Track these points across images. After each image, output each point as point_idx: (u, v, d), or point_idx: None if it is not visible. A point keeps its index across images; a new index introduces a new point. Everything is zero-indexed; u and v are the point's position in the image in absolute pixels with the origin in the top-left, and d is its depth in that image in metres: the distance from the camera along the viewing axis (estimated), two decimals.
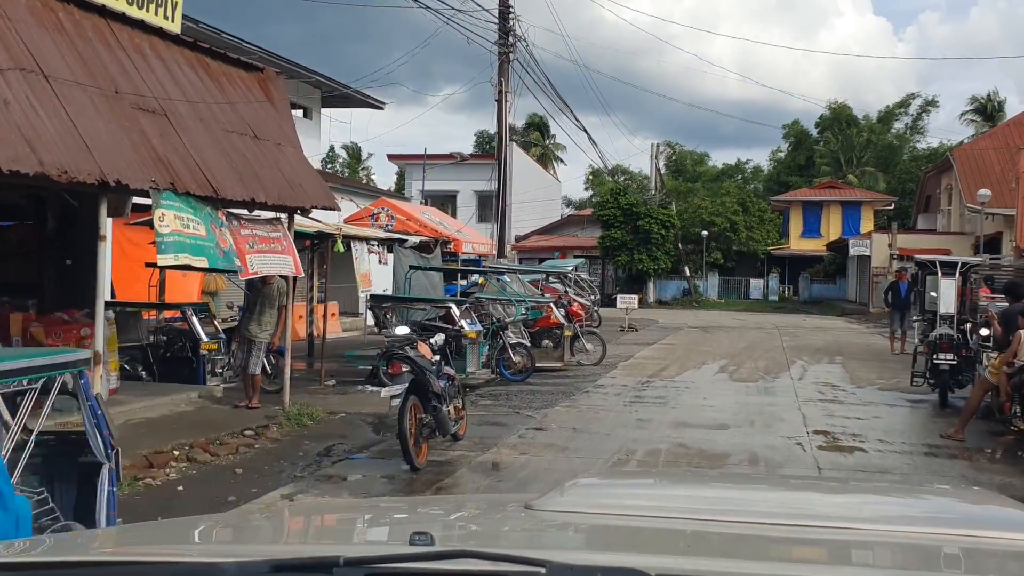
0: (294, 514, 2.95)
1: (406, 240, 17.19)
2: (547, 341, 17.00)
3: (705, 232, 48.27)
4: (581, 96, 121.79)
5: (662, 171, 48.01)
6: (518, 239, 53.64)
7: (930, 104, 67.06)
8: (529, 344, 16.02)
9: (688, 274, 48.12)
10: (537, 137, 75.12)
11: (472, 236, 21.00)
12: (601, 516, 2.00)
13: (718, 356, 19.96)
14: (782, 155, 73.01)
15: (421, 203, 57.38)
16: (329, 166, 72.73)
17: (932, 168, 44.80)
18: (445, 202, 58.23)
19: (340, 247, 14.61)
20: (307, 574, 1.46)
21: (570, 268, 19.63)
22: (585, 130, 39.27)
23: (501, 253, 19.64)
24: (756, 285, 50.19)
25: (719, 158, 71.94)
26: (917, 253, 38.32)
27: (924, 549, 1.84)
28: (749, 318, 36.69)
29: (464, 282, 19.50)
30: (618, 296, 29.36)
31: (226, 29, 27.51)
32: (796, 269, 52.18)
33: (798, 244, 53.20)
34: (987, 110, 64.65)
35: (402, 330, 10.27)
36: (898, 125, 66.57)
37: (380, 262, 16.61)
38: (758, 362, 18.67)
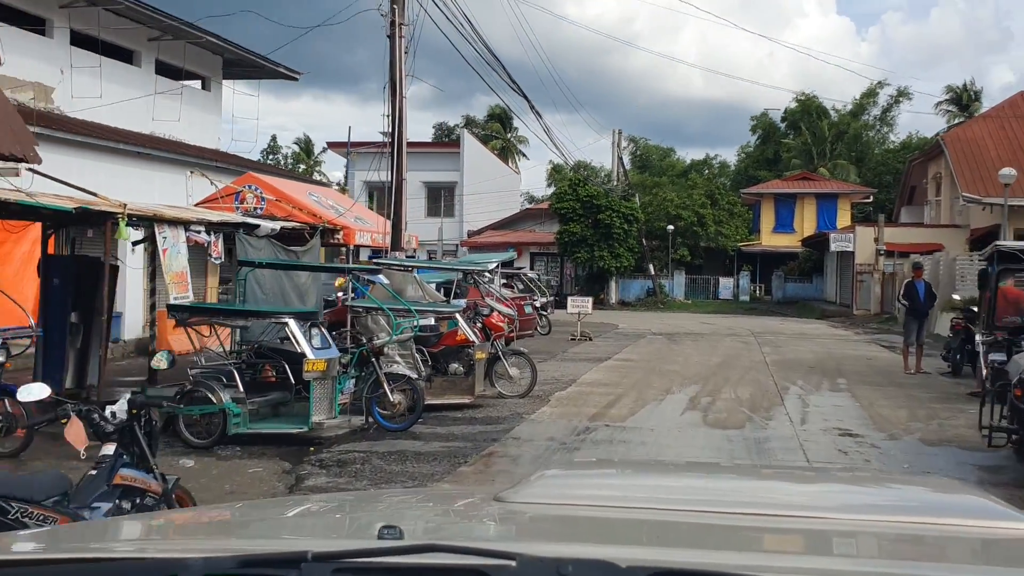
0: (261, 509, 2.69)
1: (256, 226, 12.14)
2: (456, 365, 12.00)
3: (671, 227, 43.53)
4: (547, 94, 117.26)
5: (625, 161, 43.16)
6: (471, 234, 48.50)
7: (902, 95, 63.28)
8: (423, 372, 11.06)
9: (653, 272, 43.32)
10: (497, 129, 70.17)
11: (374, 225, 15.91)
12: (571, 507, 1.98)
13: (686, 379, 15.07)
14: (750, 149, 68.86)
15: (367, 196, 52.32)
16: (272, 157, 67.22)
17: (918, 156, 40.30)
18: (390, 194, 53.07)
19: (124, 232, 9.53)
20: (275, 569, 1.41)
21: (492, 264, 14.67)
22: (533, 107, 34.23)
23: (396, 245, 14.56)
24: (726, 284, 45.47)
25: (685, 156, 67.91)
26: (905, 248, 33.77)
27: (894, 537, 1.82)
28: (720, 322, 31.93)
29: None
30: (569, 299, 24.43)
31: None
32: (768, 267, 47.59)
33: (770, 240, 48.65)
34: (963, 100, 60.97)
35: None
36: (868, 117, 62.80)
37: (213, 257, 11.54)
38: (739, 389, 13.79)
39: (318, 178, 70.82)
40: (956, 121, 54.00)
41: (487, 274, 14.19)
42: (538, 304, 26.00)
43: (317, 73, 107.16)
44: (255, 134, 59.08)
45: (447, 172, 48.50)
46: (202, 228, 11.26)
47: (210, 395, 9.30)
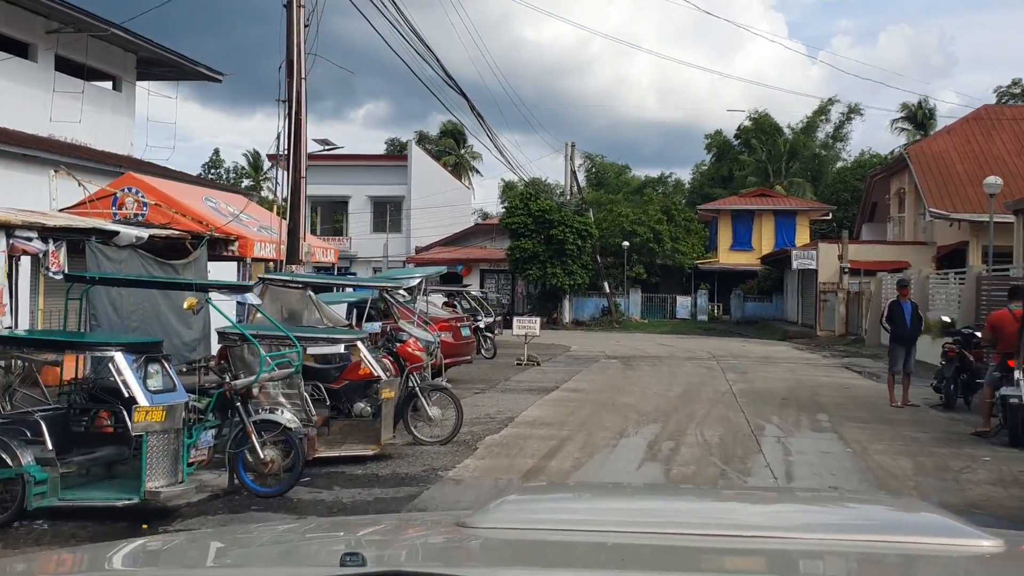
0: (222, 538, 2.57)
1: (115, 234, 9.63)
2: (363, 405, 9.57)
3: (626, 243, 41.49)
4: (504, 114, 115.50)
5: (580, 178, 41.10)
6: (418, 250, 45.99)
7: (853, 111, 62.40)
8: (313, 419, 8.63)
9: (608, 290, 41.22)
10: (450, 145, 67.93)
11: (278, 235, 13.38)
12: (534, 531, 1.97)
13: (644, 416, 12.79)
14: (705, 168, 67.48)
15: (310, 210, 49.59)
16: (213, 171, 64.13)
17: (880, 171, 38.75)
18: (336, 208, 50.44)
19: None
20: None
21: (417, 279, 12.19)
22: (480, 117, 31.74)
23: (292, 258, 11.96)
24: (683, 303, 43.49)
25: (641, 174, 66.37)
26: (870, 266, 32.01)
27: (855, 556, 1.83)
28: (678, 343, 29.83)
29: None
30: (515, 319, 22.10)
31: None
32: (726, 285, 45.78)
33: (728, 257, 46.91)
34: (918, 117, 60.15)
35: None
36: (821, 135, 61.93)
37: (51, 271, 9.01)
38: (706, 430, 11.51)
39: (266, 194, 68.17)
40: (913, 139, 53.00)
41: (404, 292, 11.71)
42: (482, 325, 23.65)
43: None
44: (174, 139, 55.47)
45: (394, 186, 46.03)
46: (34, 234, 8.75)
47: (3, 455, 6.82)
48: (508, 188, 62.15)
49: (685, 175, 67.93)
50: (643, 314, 42.37)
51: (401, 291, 11.53)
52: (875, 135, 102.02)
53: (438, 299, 25.75)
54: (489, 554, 1.92)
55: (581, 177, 60.51)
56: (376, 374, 9.23)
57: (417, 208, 45.30)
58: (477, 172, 72.01)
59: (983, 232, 30.25)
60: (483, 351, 23.06)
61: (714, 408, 13.63)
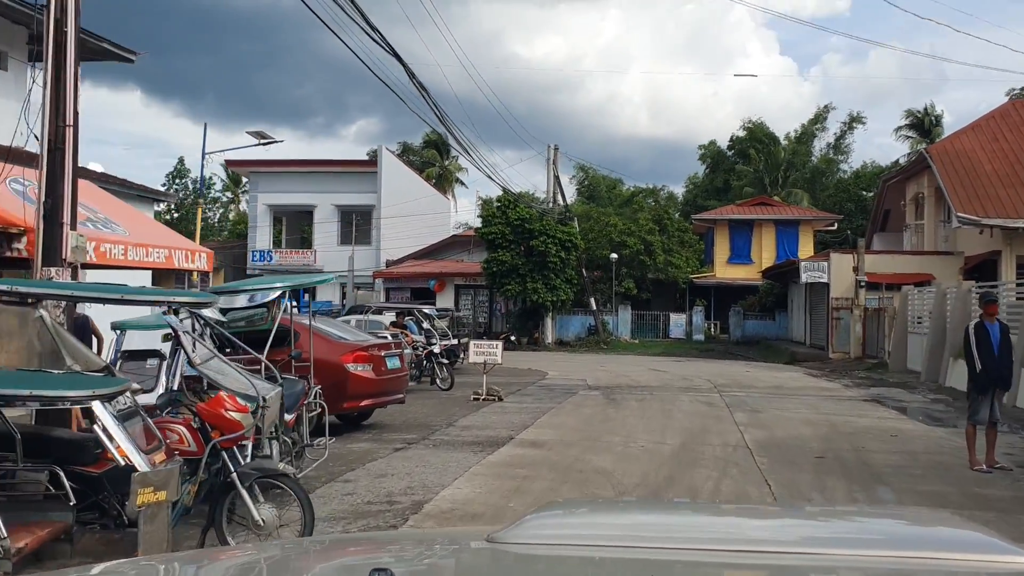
0: (245, 554, 2.49)
1: None
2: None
3: (614, 255, 37.34)
4: (496, 131, 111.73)
5: (570, 192, 36.94)
6: (389, 263, 41.73)
7: (855, 120, 58.68)
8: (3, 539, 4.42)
9: (595, 307, 37.01)
10: (433, 156, 63.87)
11: (148, 236, 9.15)
12: (564, 547, 1.92)
13: (624, 491, 8.57)
14: (699, 180, 63.52)
15: (272, 219, 45.22)
16: (178, 182, 59.90)
17: (895, 174, 34.63)
18: (301, 219, 46.12)
19: None
20: None
21: (275, 292, 7.87)
22: (443, 122, 27.67)
23: (50, 258, 7.36)
24: (677, 321, 39.24)
25: (632, 187, 62.38)
26: (888, 280, 27.78)
27: (890, 573, 1.77)
28: (673, 368, 25.60)
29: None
30: (472, 344, 17.84)
31: None
32: (724, 301, 41.60)
33: (725, 271, 42.77)
34: (924, 125, 56.32)
35: None
36: (822, 145, 58.29)
37: None
38: None
39: (243, 207, 63.97)
40: (919, 146, 49.08)
41: (206, 317, 7.32)
42: (436, 350, 19.44)
43: (261, 106, 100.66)
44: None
45: (364, 194, 41.86)
46: None
47: None
48: (487, 205, 58.04)
49: (678, 190, 63.80)
50: (633, 333, 38.14)
51: (213, 312, 7.23)
52: (875, 148, 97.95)
53: (389, 317, 21.56)
54: (518, 570, 1.89)
55: (572, 191, 56.65)
56: (126, 460, 4.97)
57: (388, 218, 41.11)
58: (462, 184, 68.11)
59: (1018, 240, 26.18)
60: (438, 381, 18.88)
61: (725, 476, 9.37)
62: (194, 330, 6.77)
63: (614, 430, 12.74)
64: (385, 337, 14.99)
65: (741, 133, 57.94)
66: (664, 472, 9.62)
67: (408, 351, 16.07)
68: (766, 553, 1.82)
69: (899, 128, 58.56)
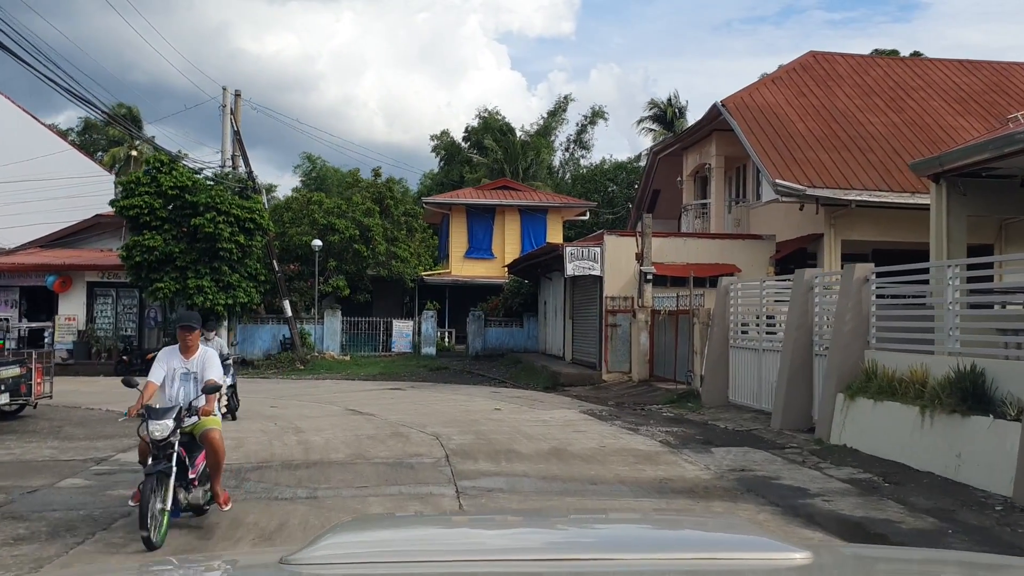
0: None
1: None
2: None
3: (318, 243, 27.19)
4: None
5: (239, 130, 26.02)
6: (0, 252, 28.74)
7: (597, 115, 53.28)
8: None
9: (289, 313, 26.54)
10: (119, 134, 50.13)
11: None
12: (360, 565, 1.77)
13: None
14: (434, 174, 55.20)
15: None
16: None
17: (670, 143, 27.28)
18: None
19: None
20: None
21: None
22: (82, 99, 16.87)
23: None
24: (402, 330, 29.61)
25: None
26: (678, 273, 18.40)
27: (678, 572, 1.74)
28: (385, 402, 15.99)
29: None
30: None
31: None
32: (462, 303, 32.76)
33: (462, 268, 34.06)
34: (667, 116, 51.58)
35: None
36: (562, 138, 52.59)
37: None
38: None
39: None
40: (661, 138, 43.66)
41: None
42: None
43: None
44: None
45: None
46: None
47: None
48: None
49: (414, 186, 54.82)
50: (345, 347, 28.10)
51: None
52: (623, 145, 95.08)
53: None
54: None
55: (295, 182, 45.81)
56: None
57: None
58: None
59: (843, 220, 19.35)
60: None
61: None
62: None
63: None
64: None
65: (475, 123, 50.48)
66: None
67: None
68: (570, 561, 1.80)
69: (641, 120, 53.68)
